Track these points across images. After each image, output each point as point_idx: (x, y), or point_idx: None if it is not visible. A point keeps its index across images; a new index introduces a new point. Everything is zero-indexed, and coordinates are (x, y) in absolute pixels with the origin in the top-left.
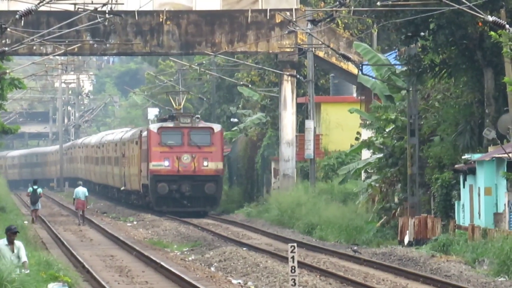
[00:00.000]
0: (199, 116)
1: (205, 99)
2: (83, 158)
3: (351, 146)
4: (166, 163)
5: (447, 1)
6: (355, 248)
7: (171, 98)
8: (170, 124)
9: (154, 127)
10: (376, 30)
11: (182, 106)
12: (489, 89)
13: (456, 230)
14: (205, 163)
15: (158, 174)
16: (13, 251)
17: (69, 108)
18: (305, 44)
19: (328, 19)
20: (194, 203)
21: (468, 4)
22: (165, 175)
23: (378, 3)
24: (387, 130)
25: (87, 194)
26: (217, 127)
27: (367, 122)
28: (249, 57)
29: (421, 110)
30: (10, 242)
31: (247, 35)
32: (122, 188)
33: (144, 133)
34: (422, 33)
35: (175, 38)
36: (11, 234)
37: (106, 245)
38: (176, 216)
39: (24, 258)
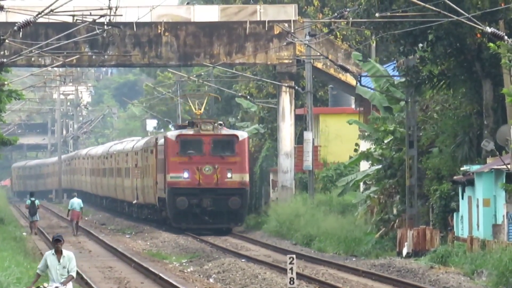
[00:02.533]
0: (222, 122)
1: (203, 110)
2: (88, 170)
3: (350, 157)
4: (186, 174)
5: (445, 13)
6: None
7: (190, 102)
8: (189, 131)
9: (172, 134)
10: (375, 42)
11: (203, 110)
12: (487, 100)
13: (454, 241)
14: (229, 175)
15: (176, 187)
16: (59, 261)
17: (68, 119)
18: (304, 56)
19: (327, 31)
20: (217, 219)
21: (467, 15)
22: (185, 188)
23: (377, 15)
24: (385, 141)
25: (82, 205)
26: (242, 135)
27: (366, 134)
28: (247, 69)
29: (419, 122)
30: (57, 252)
31: (245, 46)
32: (134, 201)
33: (161, 141)
34: (420, 44)
35: (173, 49)
36: (54, 243)
37: (105, 256)
38: (196, 234)
39: (72, 271)
